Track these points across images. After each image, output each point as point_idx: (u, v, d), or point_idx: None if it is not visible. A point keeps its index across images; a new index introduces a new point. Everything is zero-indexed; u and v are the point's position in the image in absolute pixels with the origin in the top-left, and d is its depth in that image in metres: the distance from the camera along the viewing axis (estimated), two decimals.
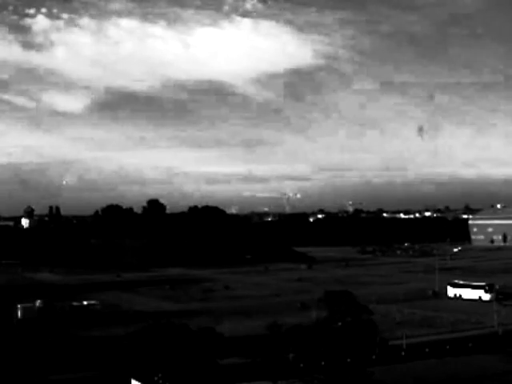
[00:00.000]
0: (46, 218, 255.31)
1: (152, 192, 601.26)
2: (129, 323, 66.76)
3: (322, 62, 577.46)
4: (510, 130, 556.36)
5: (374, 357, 49.00)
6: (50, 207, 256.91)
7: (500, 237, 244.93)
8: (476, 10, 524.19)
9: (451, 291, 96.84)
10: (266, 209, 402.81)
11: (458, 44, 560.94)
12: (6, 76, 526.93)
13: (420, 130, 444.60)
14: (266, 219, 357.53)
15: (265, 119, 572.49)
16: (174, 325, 46.85)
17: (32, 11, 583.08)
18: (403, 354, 56.96)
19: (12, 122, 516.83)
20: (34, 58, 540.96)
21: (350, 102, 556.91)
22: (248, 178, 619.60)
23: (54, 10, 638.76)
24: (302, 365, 44.83)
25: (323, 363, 43.49)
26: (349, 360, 43.88)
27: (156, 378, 41.58)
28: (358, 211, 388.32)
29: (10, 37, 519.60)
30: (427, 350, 57.87)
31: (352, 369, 43.22)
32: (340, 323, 49.26)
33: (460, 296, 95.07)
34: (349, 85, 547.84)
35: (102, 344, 61.08)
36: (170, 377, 41.49)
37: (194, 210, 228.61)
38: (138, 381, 42.75)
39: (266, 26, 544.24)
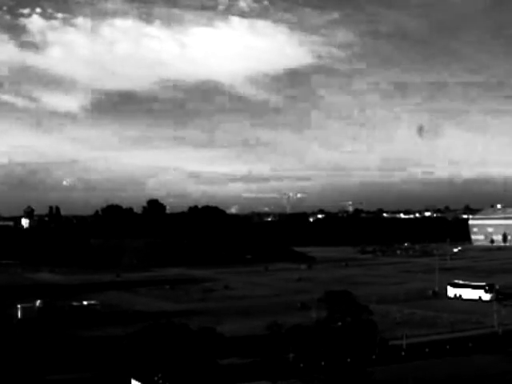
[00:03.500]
0: (46, 218, 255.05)
1: (152, 192, 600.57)
2: (129, 323, 66.79)
3: (319, 61, 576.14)
4: (510, 130, 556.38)
5: (374, 357, 48.97)
6: (50, 207, 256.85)
7: (500, 237, 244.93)
8: (476, 10, 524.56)
9: (451, 291, 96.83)
10: (267, 209, 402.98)
11: (457, 44, 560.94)
12: (2, 76, 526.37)
13: (420, 129, 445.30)
14: (266, 219, 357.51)
15: (264, 119, 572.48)
16: (174, 325, 46.85)
17: (27, 11, 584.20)
18: (403, 353, 56.98)
19: (11, 122, 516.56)
20: (30, 58, 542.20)
21: (349, 102, 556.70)
22: (248, 178, 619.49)
23: (49, 10, 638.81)
24: (302, 365, 44.78)
25: (323, 363, 43.45)
26: (349, 360, 43.85)
27: (156, 378, 41.58)
28: (358, 211, 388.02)
29: (5, 37, 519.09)
30: (427, 349, 57.89)
31: (352, 369, 43.18)
32: (340, 323, 49.22)
33: (460, 296, 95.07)
34: (347, 85, 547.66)
35: (101, 344, 61.07)
36: (170, 377, 41.49)
37: (194, 210, 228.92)
38: (138, 381, 42.76)
39: (262, 25, 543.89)
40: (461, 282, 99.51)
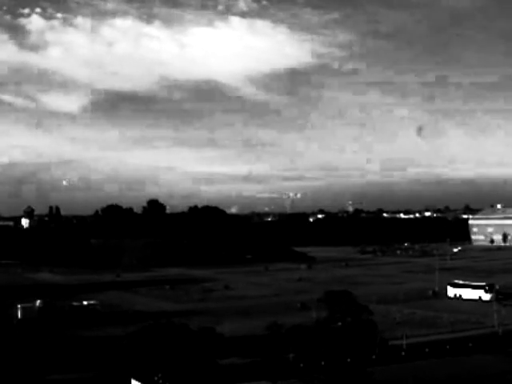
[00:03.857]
0: (46, 218, 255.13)
1: (152, 192, 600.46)
2: (129, 323, 66.75)
3: (319, 61, 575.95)
4: (510, 130, 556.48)
5: (374, 357, 48.98)
6: (50, 207, 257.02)
7: (500, 237, 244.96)
8: (476, 10, 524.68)
9: (451, 291, 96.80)
10: (267, 209, 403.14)
11: (457, 44, 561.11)
12: (2, 76, 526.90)
13: (420, 129, 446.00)
14: (266, 219, 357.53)
15: (264, 119, 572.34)
16: (174, 325, 46.86)
17: (27, 11, 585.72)
18: (403, 353, 56.98)
19: (11, 122, 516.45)
20: (30, 58, 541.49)
21: (349, 102, 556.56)
22: (248, 178, 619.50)
23: (49, 10, 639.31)
24: (302, 365, 44.80)
25: (323, 363, 43.46)
26: (349, 360, 43.85)
27: (156, 378, 41.59)
28: (358, 211, 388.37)
29: (5, 37, 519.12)
30: (427, 350, 57.88)
31: (352, 369, 43.18)
32: (340, 323, 49.24)
33: (460, 296, 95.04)
34: (347, 85, 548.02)
35: (101, 344, 61.08)
36: (170, 377, 41.49)
37: (194, 210, 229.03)
38: (138, 381, 42.76)
39: (262, 25, 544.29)
40: (461, 282, 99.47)
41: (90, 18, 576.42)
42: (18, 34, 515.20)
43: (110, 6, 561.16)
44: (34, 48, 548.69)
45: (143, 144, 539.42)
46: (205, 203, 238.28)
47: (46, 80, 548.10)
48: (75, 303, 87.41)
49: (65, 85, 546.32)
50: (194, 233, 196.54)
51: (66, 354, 58.18)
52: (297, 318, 63.59)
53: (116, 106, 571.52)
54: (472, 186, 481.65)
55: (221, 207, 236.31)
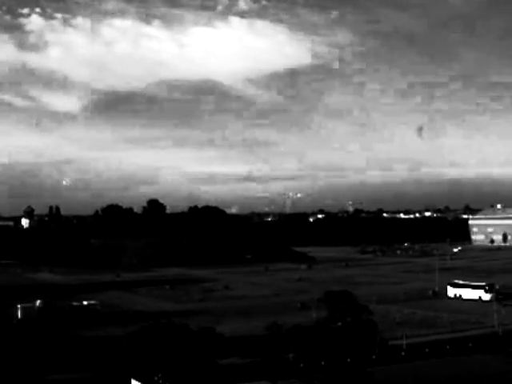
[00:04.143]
0: (46, 218, 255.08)
1: (152, 192, 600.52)
2: (129, 323, 66.73)
3: (319, 61, 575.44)
4: (510, 130, 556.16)
5: (374, 357, 48.97)
6: (50, 207, 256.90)
7: (500, 237, 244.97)
8: (476, 10, 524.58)
9: (451, 291, 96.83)
10: (266, 209, 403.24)
11: (457, 44, 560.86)
12: (2, 76, 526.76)
13: (420, 129, 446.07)
14: (266, 219, 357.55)
15: (264, 119, 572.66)
16: (174, 325, 46.86)
17: (26, 11, 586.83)
18: (403, 353, 56.97)
19: (11, 122, 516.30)
20: (30, 58, 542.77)
21: (349, 102, 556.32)
22: (248, 178, 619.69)
23: (49, 10, 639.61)
24: (302, 365, 44.79)
25: (323, 363, 43.45)
26: (349, 360, 43.85)
27: (156, 378, 41.59)
28: (358, 211, 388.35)
29: (5, 37, 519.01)
30: (427, 350, 57.87)
31: (352, 369, 43.17)
32: (340, 323, 49.24)
33: (460, 296, 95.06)
34: (347, 85, 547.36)
35: (101, 344, 61.08)
36: (170, 377, 41.49)
37: (194, 210, 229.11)
38: (138, 381, 42.77)
39: (262, 25, 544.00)
40: (461, 282, 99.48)
41: (90, 18, 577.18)
42: (17, 34, 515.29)
43: (109, 6, 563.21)
44: (34, 48, 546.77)
45: (143, 144, 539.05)
46: (205, 203, 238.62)
47: (46, 80, 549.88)
48: (75, 303, 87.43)
49: (65, 85, 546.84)
50: (194, 233, 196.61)
51: (66, 353, 58.20)
52: (297, 317, 63.49)
53: (115, 105, 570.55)
54: (472, 186, 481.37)
55: (221, 207, 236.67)
